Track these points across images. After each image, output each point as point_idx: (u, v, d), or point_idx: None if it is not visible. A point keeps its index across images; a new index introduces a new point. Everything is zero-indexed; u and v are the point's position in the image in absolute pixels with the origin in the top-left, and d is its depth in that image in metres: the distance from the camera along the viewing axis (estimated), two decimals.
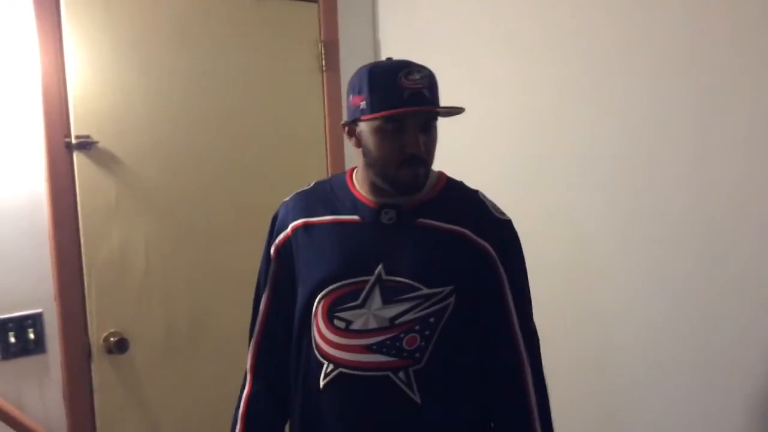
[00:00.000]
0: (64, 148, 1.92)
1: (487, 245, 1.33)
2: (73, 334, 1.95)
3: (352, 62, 2.47)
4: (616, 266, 1.84)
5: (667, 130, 1.70)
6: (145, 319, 2.05)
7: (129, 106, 2.01)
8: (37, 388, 1.92)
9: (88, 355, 1.97)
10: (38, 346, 1.91)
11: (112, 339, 1.98)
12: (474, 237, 1.32)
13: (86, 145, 1.93)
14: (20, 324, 1.89)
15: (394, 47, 2.45)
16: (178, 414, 2.13)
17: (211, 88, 2.18)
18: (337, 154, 2.46)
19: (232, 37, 2.21)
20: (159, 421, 2.09)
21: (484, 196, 1.41)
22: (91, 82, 1.94)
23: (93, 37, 1.94)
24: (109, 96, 1.98)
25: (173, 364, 2.11)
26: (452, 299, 1.30)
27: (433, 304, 1.29)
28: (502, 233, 1.36)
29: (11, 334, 1.87)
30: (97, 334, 1.97)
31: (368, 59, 2.51)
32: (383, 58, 2.44)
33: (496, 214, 1.37)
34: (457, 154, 2.19)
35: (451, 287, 1.30)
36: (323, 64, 2.40)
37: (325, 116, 2.43)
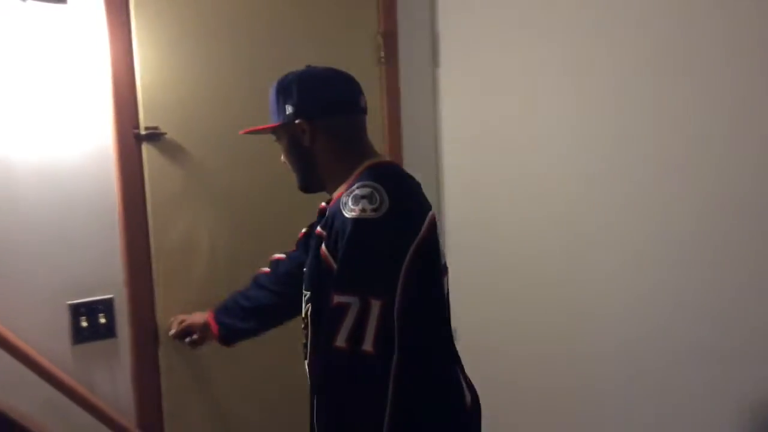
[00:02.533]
0: (133, 139, 1.97)
1: (328, 256, 1.28)
2: (142, 320, 2.01)
3: (410, 55, 2.47)
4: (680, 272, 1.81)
5: (733, 134, 1.65)
6: (210, 305, 2.09)
7: (195, 97, 2.06)
8: (108, 371, 1.98)
9: (156, 339, 2.03)
10: (109, 331, 1.97)
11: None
12: (323, 247, 1.29)
13: (155, 136, 1.98)
14: (91, 309, 1.95)
15: (452, 40, 2.45)
16: (243, 397, 2.17)
17: (273, 79, 2.20)
18: (395, 148, 2.47)
19: (292, 28, 2.22)
20: (224, 404, 2.14)
21: (357, 190, 1.27)
22: (159, 75, 1.99)
23: (161, 29, 1.99)
24: (176, 88, 2.02)
25: (237, 349, 2.14)
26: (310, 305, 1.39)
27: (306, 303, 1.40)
28: (340, 234, 1.25)
29: (83, 318, 1.93)
30: (164, 320, 2.02)
31: (426, 52, 2.51)
32: (441, 50, 2.45)
33: (344, 212, 1.25)
34: (510, 146, 2.19)
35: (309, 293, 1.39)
36: (382, 56, 2.41)
37: (383, 110, 2.44)
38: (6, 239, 1.83)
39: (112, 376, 1.99)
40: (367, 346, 1.19)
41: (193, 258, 2.08)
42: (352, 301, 1.20)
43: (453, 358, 1.42)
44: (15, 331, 1.81)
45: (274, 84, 1.45)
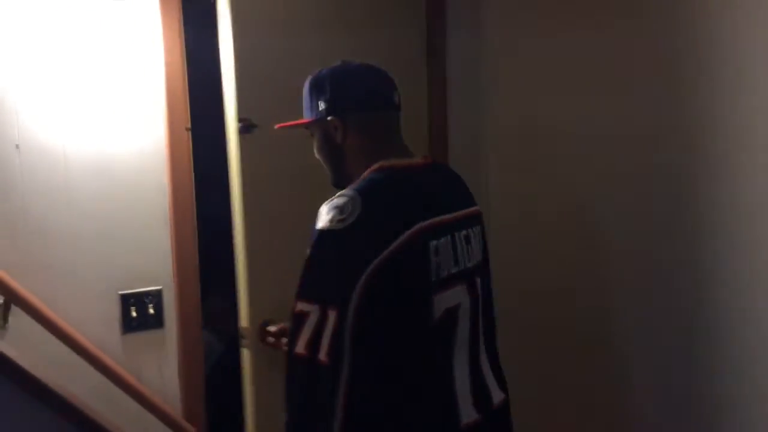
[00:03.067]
0: (185, 134, 2.01)
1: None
2: (189, 311, 2.05)
3: (458, 46, 2.44)
4: None
5: None
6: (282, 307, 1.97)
7: (287, 90, 1.80)
8: (155, 360, 2.04)
9: (238, 340, 1.94)
10: (157, 321, 2.02)
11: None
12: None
13: (248, 128, 1.89)
14: (141, 299, 2.00)
15: (499, 30, 2.40)
16: None
17: None
18: (439, 142, 2.44)
19: (342, 19, 2.16)
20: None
21: (336, 199, 1.26)
22: (252, 66, 1.91)
23: (257, 20, 1.92)
24: (269, 80, 1.93)
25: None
26: None
27: None
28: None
29: (132, 308, 1.98)
30: (251, 321, 1.90)
31: (474, 44, 2.46)
32: (489, 42, 2.36)
33: (318, 223, 1.26)
34: (562, 143, 2.14)
35: None
36: (428, 48, 2.37)
37: (429, 103, 2.40)
38: (61, 230, 1.88)
39: (158, 365, 2.04)
40: (322, 355, 1.18)
41: (284, 257, 1.81)
42: (311, 309, 1.20)
43: (441, 378, 1.33)
44: (68, 320, 1.86)
45: (309, 79, 1.42)
